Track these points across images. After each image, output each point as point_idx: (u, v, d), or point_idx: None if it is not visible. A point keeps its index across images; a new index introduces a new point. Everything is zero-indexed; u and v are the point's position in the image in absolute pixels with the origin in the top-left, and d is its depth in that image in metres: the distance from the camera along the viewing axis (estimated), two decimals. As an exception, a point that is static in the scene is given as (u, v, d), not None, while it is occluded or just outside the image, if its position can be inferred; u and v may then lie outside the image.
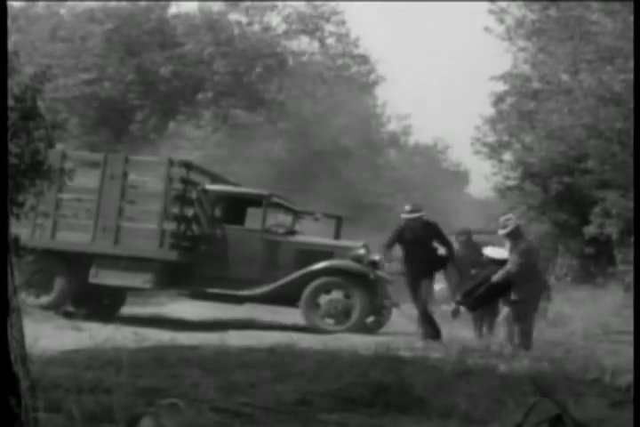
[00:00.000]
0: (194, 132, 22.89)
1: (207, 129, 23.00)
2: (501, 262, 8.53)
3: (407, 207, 9.93)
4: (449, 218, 23.41)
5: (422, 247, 9.77)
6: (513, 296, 8.47)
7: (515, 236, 8.64)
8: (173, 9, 26.40)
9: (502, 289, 8.48)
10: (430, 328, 9.64)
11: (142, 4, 25.30)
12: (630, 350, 5.42)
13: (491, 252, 8.87)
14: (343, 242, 12.60)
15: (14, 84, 6.91)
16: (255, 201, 11.99)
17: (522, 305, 8.45)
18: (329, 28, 27.24)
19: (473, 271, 9.45)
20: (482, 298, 8.64)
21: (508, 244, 8.75)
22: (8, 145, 6.04)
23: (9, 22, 4.22)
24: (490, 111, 20.48)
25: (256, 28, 26.46)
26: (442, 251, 10.06)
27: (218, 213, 12.13)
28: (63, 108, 21.67)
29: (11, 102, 6.76)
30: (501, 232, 8.61)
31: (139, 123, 23.73)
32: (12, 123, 6.71)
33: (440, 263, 9.97)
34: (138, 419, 4.24)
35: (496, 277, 8.41)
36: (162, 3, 25.68)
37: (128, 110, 24.10)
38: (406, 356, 6.88)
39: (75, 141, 22.09)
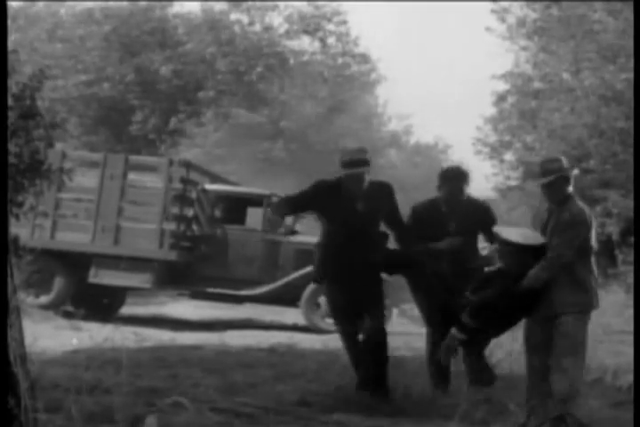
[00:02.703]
0: (194, 131, 22.88)
1: (208, 128, 22.98)
2: (529, 253, 4.79)
3: (348, 150, 5.74)
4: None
5: (363, 232, 5.57)
6: (553, 308, 4.78)
7: (561, 193, 4.89)
8: (174, 8, 26.34)
9: (531, 298, 4.81)
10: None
11: (142, 3, 25.28)
12: (631, 351, 5.40)
13: (509, 233, 4.97)
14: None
15: (13, 84, 6.89)
16: (255, 201, 11.97)
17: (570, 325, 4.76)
18: (330, 27, 27.22)
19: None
20: (502, 316, 4.87)
21: (541, 218, 5.06)
22: (7, 144, 6.03)
23: (8, 22, 4.21)
24: (491, 111, 20.46)
25: (257, 27, 26.44)
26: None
27: (218, 213, 12.11)
28: (62, 108, 21.65)
29: (9, 101, 6.75)
30: (541, 181, 4.95)
31: (138, 123, 23.71)
32: (11, 122, 6.69)
33: (394, 266, 5.80)
34: (141, 418, 4.23)
35: (531, 276, 4.72)
36: (162, 2, 25.66)
37: (128, 110, 24.07)
38: (407, 356, 6.87)
39: (74, 141, 22.08)
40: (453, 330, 4.84)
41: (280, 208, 5.70)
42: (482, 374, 5.76)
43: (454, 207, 5.81)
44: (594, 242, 4.92)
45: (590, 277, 4.88)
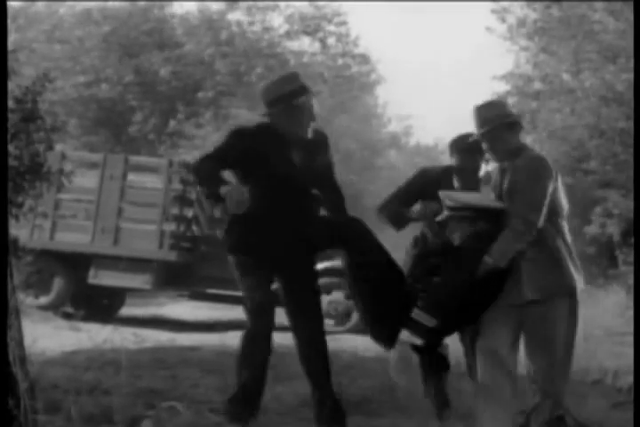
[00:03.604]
0: (194, 131, 22.87)
1: (207, 129, 22.97)
2: (488, 220, 3.84)
3: (274, 81, 4.42)
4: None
5: (297, 196, 4.32)
6: (526, 293, 3.82)
7: (507, 144, 3.98)
8: (172, 9, 26.31)
9: (497, 281, 3.79)
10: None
11: (141, 4, 25.27)
12: (632, 352, 5.39)
13: (460, 196, 4.04)
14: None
15: (15, 87, 6.90)
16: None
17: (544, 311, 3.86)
18: (330, 28, 27.21)
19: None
20: (464, 308, 3.80)
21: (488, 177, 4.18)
22: (8, 147, 6.03)
23: (8, 22, 4.21)
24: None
25: (258, 28, 26.43)
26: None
27: (218, 213, 12.09)
28: (61, 109, 21.64)
29: (12, 104, 6.76)
30: (478, 132, 4.03)
31: (138, 124, 23.70)
32: (12, 124, 6.69)
33: (325, 240, 4.41)
34: (138, 421, 4.22)
35: (496, 252, 3.74)
36: (161, 2, 25.64)
37: (127, 111, 24.05)
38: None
39: (74, 142, 22.07)
40: (405, 335, 3.67)
41: (201, 171, 4.21)
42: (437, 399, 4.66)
43: (469, 182, 4.56)
44: (564, 200, 3.98)
45: (564, 248, 3.91)
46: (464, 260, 3.75)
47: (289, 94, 4.23)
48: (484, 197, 3.99)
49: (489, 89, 23.69)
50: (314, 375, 4.43)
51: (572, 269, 3.97)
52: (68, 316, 10.98)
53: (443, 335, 3.95)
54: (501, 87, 19.75)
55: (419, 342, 3.67)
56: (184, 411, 4.49)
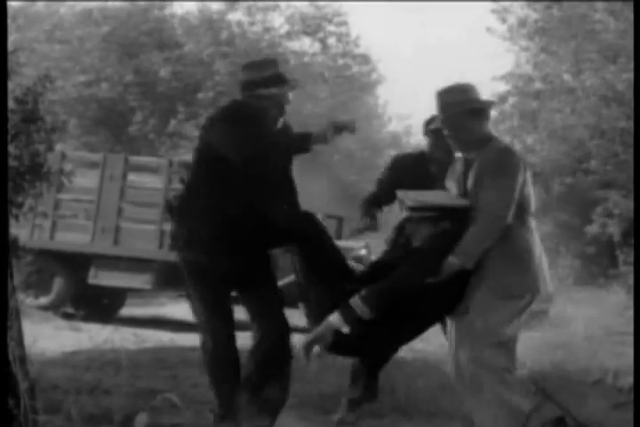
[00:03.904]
0: (194, 131, 22.87)
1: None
2: (451, 219, 3.53)
3: (251, 63, 4.08)
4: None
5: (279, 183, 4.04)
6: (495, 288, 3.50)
7: (472, 132, 3.66)
8: (172, 9, 26.31)
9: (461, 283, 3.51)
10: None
11: (141, 4, 25.27)
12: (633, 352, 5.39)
13: (420, 196, 3.66)
14: (344, 242, 12.54)
15: (17, 87, 6.90)
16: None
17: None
18: (330, 28, 27.21)
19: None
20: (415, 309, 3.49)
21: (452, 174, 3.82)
22: (8, 147, 6.02)
23: (8, 21, 4.20)
24: (492, 111, 20.44)
25: (258, 28, 26.43)
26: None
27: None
28: (61, 109, 21.64)
29: (12, 105, 6.76)
30: (432, 126, 4.10)
31: (138, 124, 23.70)
32: (12, 125, 6.70)
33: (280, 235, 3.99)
34: (132, 417, 4.22)
35: (462, 252, 3.44)
36: (161, 2, 25.64)
37: (127, 111, 24.06)
38: (407, 357, 6.85)
39: (74, 142, 22.07)
40: (334, 317, 3.40)
41: None
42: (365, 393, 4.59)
43: (444, 167, 4.05)
44: (532, 197, 3.63)
45: (532, 246, 3.58)
46: (424, 260, 3.44)
47: (260, 82, 3.87)
48: (446, 195, 3.69)
49: (489, 89, 23.66)
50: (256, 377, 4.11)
51: (538, 269, 3.58)
52: (68, 316, 10.98)
53: (376, 342, 3.57)
54: (502, 87, 19.78)
55: (345, 329, 3.40)
56: (179, 403, 4.48)
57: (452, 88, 3.72)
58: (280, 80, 3.89)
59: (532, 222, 3.64)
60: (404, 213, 3.71)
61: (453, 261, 3.42)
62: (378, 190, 4.71)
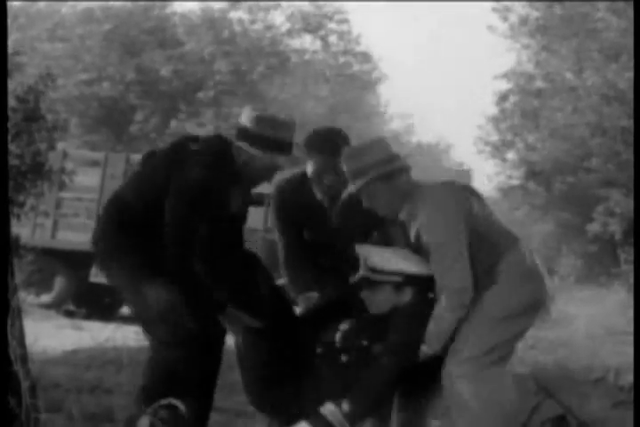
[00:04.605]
0: (195, 130, 22.87)
1: (208, 128, 22.97)
2: (415, 285, 3.21)
3: (268, 117, 3.62)
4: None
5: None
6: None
7: (390, 200, 3.26)
8: (173, 7, 26.31)
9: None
10: None
11: (142, 2, 25.26)
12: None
13: (385, 257, 3.30)
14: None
15: (18, 85, 6.90)
16: (256, 200, 11.92)
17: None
18: (331, 26, 27.20)
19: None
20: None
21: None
22: (9, 146, 6.02)
23: (9, 21, 4.20)
24: (493, 110, 20.42)
25: (259, 26, 26.41)
26: None
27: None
28: (63, 107, 21.65)
29: (14, 103, 6.76)
30: (350, 188, 3.35)
31: (139, 122, 23.70)
32: (14, 124, 6.70)
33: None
34: (136, 419, 4.22)
35: (432, 337, 3.13)
36: (161, 2, 25.64)
37: (128, 110, 24.06)
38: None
39: (75, 140, 22.08)
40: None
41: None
42: None
43: (330, 189, 3.62)
44: (496, 224, 3.25)
45: (500, 297, 3.16)
46: (400, 352, 3.14)
47: (266, 142, 3.42)
48: (409, 256, 3.27)
49: (491, 87, 23.67)
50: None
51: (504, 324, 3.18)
52: (69, 314, 10.99)
53: None
54: (503, 85, 19.78)
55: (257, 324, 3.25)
56: (183, 408, 4.48)
57: (357, 150, 3.33)
58: (286, 149, 3.41)
59: (507, 256, 3.16)
60: (361, 271, 3.30)
61: (426, 351, 3.13)
62: (295, 250, 3.99)
